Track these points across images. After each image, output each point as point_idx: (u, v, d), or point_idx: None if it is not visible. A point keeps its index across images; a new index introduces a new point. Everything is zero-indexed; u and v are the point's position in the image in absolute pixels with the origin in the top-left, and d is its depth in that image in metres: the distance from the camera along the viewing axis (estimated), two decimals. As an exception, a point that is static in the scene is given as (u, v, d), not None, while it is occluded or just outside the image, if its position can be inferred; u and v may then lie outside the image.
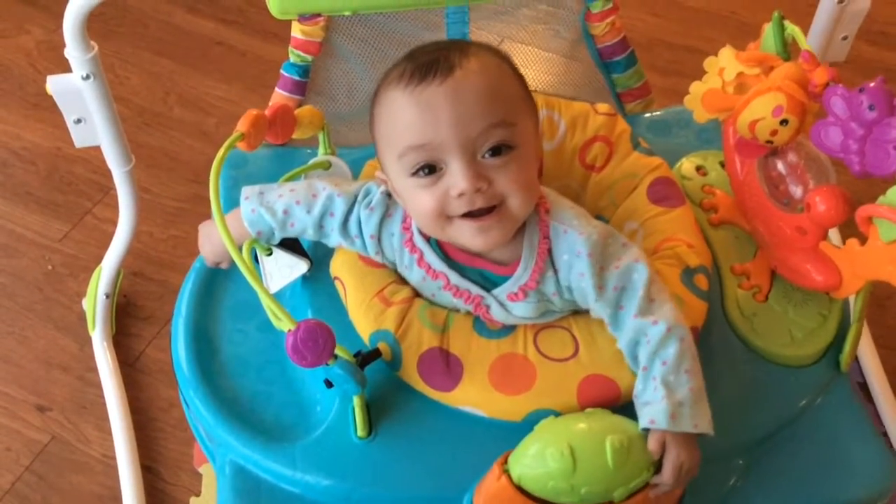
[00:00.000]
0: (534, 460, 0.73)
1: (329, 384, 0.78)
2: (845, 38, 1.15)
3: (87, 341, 1.39)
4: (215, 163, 0.79)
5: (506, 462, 0.75)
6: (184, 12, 1.95)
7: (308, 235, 0.88)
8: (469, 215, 0.78)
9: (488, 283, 0.84)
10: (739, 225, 0.95)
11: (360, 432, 0.81)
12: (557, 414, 0.79)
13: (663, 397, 0.75)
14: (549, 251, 0.82)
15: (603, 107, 0.99)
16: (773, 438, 0.85)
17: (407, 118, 0.77)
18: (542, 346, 0.82)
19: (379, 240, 0.86)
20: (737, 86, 0.89)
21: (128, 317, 1.44)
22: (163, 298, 1.46)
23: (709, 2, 1.97)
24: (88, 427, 1.31)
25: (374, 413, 0.82)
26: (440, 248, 0.85)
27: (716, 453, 0.82)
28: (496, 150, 0.76)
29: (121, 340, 1.40)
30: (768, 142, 0.87)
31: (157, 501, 1.24)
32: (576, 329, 0.83)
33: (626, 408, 0.80)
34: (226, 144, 0.82)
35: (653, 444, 0.75)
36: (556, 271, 0.82)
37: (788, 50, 0.91)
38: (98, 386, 1.34)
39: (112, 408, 1.31)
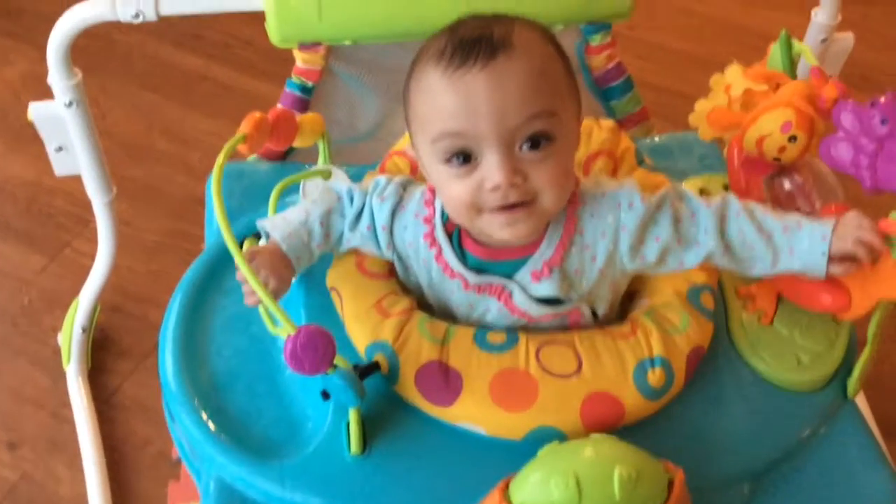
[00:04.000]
0: (537, 489, 0.70)
1: (326, 395, 0.75)
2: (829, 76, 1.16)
3: (62, 376, 1.36)
4: (217, 165, 0.77)
5: (507, 488, 0.72)
6: (170, 47, 1.97)
7: (343, 242, 0.86)
8: (500, 208, 0.75)
9: (509, 271, 0.82)
10: (744, 248, 0.93)
11: (354, 449, 0.78)
12: (560, 432, 0.77)
13: (797, 227, 0.77)
14: (577, 227, 0.80)
15: (607, 122, 0.99)
16: (780, 464, 0.82)
17: (444, 103, 0.74)
18: (545, 362, 0.80)
19: (391, 231, 0.84)
20: (743, 103, 0.88)
21: (104, 352, 1.41)
22: (140, 334, 1.44)
23: (692, 45, 2.01)
24: (60, 465, 1.27)
25: (369, 429, 0.79)
26: (460, 245, 0.83)
27: (722, 479, 0.80)
28: (535, 142, 0.74)
29: (96, 376, 1.38)
30: (776, 159, 0.86)
31: (130, 543, 1.20)
32: (579, 345, 0.81)
33: (630, 429, 0.79)
34: (227, 146, 0.80)
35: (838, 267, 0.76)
36: (584, 247, 0.80)
37: (796, 68, 0.91)
38: (71, 423, 1.31)
39: (85, 445, 1.28)
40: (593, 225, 0.80)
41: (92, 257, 1.28)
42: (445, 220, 0.83)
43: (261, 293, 0.72)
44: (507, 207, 0.75)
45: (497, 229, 0.77)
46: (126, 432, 1.30)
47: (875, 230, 0.74)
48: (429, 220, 0.83)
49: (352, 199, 0.86)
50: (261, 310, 0.76)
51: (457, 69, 0.73)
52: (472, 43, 0.73)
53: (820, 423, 0.84)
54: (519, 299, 0.82)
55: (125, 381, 1.36)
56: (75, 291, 1.34)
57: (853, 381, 0.85)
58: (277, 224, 0.84)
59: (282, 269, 0.82)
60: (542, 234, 0.80)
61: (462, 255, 0.83)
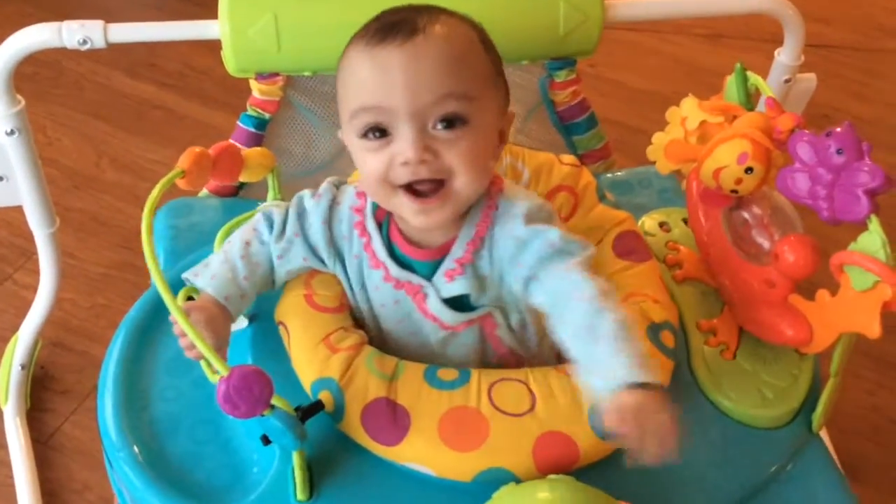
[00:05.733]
0: (494, 531, 0.69)
1: (266, 441, 0.73)
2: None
3: None
4: (149, 201, 0.77)
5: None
6: (122, 75, 1.95)
7: (274, 268, 0.87)
8: (412, 192, 0.78)
9: (428, 273, 0.84)
10: (704, 281, 0.95)
11: (300, 495, 0.76)
12: (511, 474, 0.75)
13: (619, 350, 0.72)
14: (490, 229, 0.82)
15: (568, 158, 1.00)
16: (747, 503, 0.81)
17: (361, 77, 0.78)
18: (497, 400, 0.79)
19: (330, 226, 0.86)
20: (700, 136, 0.89)
21: (44, 390, 1.38)
22: (83, 371, 1.41)
23: (653, 83, 2.03)
24: (-6, 511, 1.24)
25: (317, 472, 0.77)
26: (388, 238, 0.85)
27: (686, 520, 0.79)
28: (449, 123, 0.77)
29: (35, 416, 1.34)
30: (733, 191, 0.87)
31: None
32: (533, 383, 0.80)
33: (586, 469, 0.77)
34: (162, 181, 0.80)
35: (611, 415, 0.69)
36: (492, 252, 0.82)
37: (752, 101, 0.92)
38: (7, 465, 1.27)
39: (21, 490, 1.24)
40: (500, 233, 0.82)
41: (34, 290, 1.26)
42: (375, 210, 0.85)
43: (197, 342, 0.71)
44: (420, 197, 0.78)
45: (410, 215, 0.79)
46: (65, 476, 1.27)
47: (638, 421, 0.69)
48: (360, 211, 0.86)
49: (269, 218, 0.88)
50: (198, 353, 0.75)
51: (376, 46, 0.76)
52: (394, 24, 0.77)
53: (786, 459, 0.84)
54: (432, 303, 0.84)
55: (65, 422, 1.33)
56: (15, 326, 1.32)
57: (818, 416, 0.86)
58: (199, 271, 0.85)
59: (219, 322, 0.81)
60: (456, 233, 0.83)
61: (389, 246, 0.85)
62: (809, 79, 1.18)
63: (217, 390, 0.68)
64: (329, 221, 0.86)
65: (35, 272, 1.27)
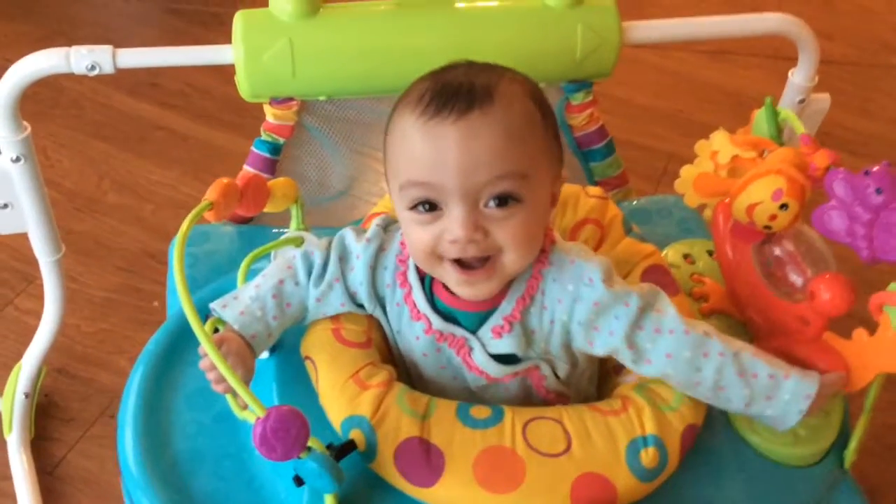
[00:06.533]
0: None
1: (299, 482, 0.72)
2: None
3: (2, 446, 1.31)
4: (179, 234, 0.76)
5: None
6: (124, 95, 1.95)
7: (309, 309, 0.86)
8: (459, 264, 0.78)
9: (474, 325, 0.83)
10: (731, 314, 0.94)
11: (331, 538, 0.76)
12: (549, 518, 0.75)
13: (784, 377, 0.78)
14: (541, 285, 0.81)
15: (594, 190, 1.00)
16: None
17: (413, 151, 0.76)
18: (532, 440, 0.78)
19: (374, 272, 0.86)
20: (731, 170, 0.89)
21: (49, 418, 1.36)
22: (88, 399, 1.39)
23: (656, 100, 2.04)
24: (-2, 544, 1.23)
25: (347, 514, 0.77)
26: (430, 290, 0.84)
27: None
28: (502, 201, 0.75)
29: (40, 445, 1.33)
30: (766, 227, 0.86)
31: None
32: (567, 422, 0.80)
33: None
34: (192, 214, 0.79)
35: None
36: (543, 307, 0.81)
37: (782, 135, 0.91)
38: (11, 496, 1.26)
39: None
40: (554, 289, 0.81)
41: (36, 316, 1.24)
42: None
43: (231, 380, 0.71)
44: (466, 269, 0.77)
45: (454, 284, 0.80)
46: (71, 508, 1.26)
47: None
48: (403, 261, 0.85)
49: (307, 259, 0.87)
50: (229, 391, 0.75)
51: (431, 118, 0.74)
52: (451, 92, 0.75)
53: (819, 497, 0.84)
54: (478, 358, 0.83)
55: (70, 451, 1.32)
56: (18, 353, 1.30)
57: (850, 452, 0.85)
58: (228, 303, 0.84)
59: (246, 356, 0.81)
60: (505, 289, 0.82)
61: (431, 298, 0.84)
62: (823, 99, 1.18)
63: (253, 432, 0.68)
64: (374, 267, 0.85)
65: (36, 297, 1.26)
